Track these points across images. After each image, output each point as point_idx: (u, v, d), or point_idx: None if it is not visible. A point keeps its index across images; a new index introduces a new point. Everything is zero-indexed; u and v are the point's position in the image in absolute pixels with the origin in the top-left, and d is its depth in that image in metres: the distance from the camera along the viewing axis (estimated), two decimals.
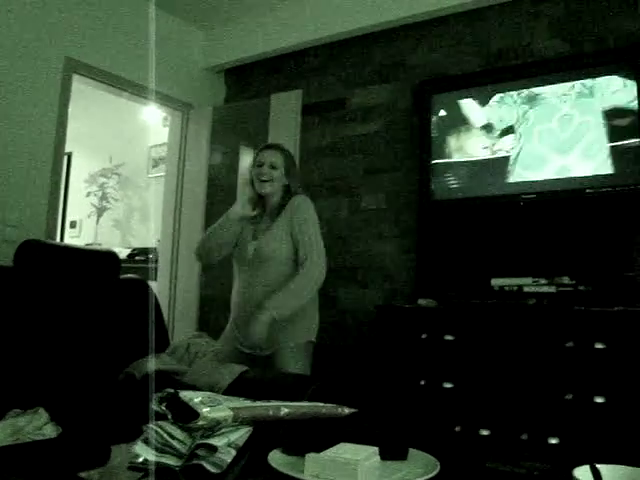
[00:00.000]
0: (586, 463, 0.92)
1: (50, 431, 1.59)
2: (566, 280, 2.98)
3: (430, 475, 1.15)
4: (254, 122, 4.44)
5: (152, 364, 2.25)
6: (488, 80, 3.49)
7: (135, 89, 4.30)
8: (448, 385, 2.98)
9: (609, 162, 3.04)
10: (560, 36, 3.40)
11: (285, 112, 4.22)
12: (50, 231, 3.76)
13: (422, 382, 3.05)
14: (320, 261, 2.61)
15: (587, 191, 3.09)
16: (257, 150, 2.83)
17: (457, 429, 2.90)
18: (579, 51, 3.32)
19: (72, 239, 6.34)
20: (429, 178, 3.60)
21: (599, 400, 2.60)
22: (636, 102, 2.98)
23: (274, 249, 2.64)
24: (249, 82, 4.83)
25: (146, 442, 1.25)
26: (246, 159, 4.50)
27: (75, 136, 4.56)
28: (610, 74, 3.07)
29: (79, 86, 4.09)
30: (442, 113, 3.59)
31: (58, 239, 4.79)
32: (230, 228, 2.71)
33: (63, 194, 5.08)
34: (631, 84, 3.00)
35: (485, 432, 2.83)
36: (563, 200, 3.19)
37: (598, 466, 0.89)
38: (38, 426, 1.58)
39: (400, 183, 3.89)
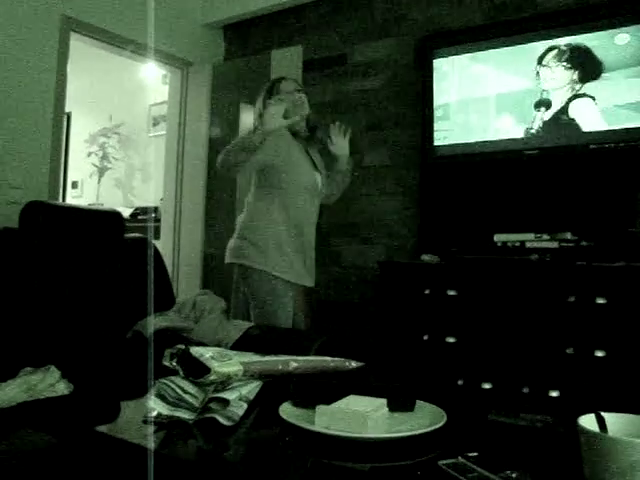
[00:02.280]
0: (588, 413, 0.94)
1: (63, 388, 1.61)
2: (568, 236, 2.99)
3: (437, 425, 1.18)
4: (254, 79, 4.40)
5: (158, 321, 2.28)
6: (492, 34, 3.44)
7: (134, 47, 4.24)
8: (451, 340, 3.02)
9: (613, 118, 3.03)
10: None
11: (286, 68, 4.16)
12: (53, 192, 3.75)
13: (425, 337, 3.09)
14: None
15: (591, 146, 3.08)
16: (269, 83, 2.84)
17: (460, 382, 2.95)
18: (585, 3, 3.27)
19: (74, 199, 6.35)
20: (431, 134, 3.58)
21: (599, 354, 2.63)
22: None
23: (326, 185, 2.85)
24: (248, 38, 4.77)
25: (159, 397, 1.28)
26: (247, 116, 4.46)
27: (74, 96, 4.53)
28: (617, 27, 3.03)
29: (77, 45, 4.03)
30: (445, 68, 3.55)
31: (61, 200, 4.79)
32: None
33: (64, 154, 5.06)
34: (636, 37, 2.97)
35: (487, 385, 2.88)
36: (566, 155, 3.18)
37: (602, 414, 0.91)
38: (51, 383, 1.61)
39: (402, 139, 3.88)
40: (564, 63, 3.15)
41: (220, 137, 4.58)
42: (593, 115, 3.08)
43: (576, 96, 3.12)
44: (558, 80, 3.17)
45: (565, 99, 3.15)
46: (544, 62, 3.22)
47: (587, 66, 3.09)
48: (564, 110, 3.16)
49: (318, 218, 2.83)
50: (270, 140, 2.49)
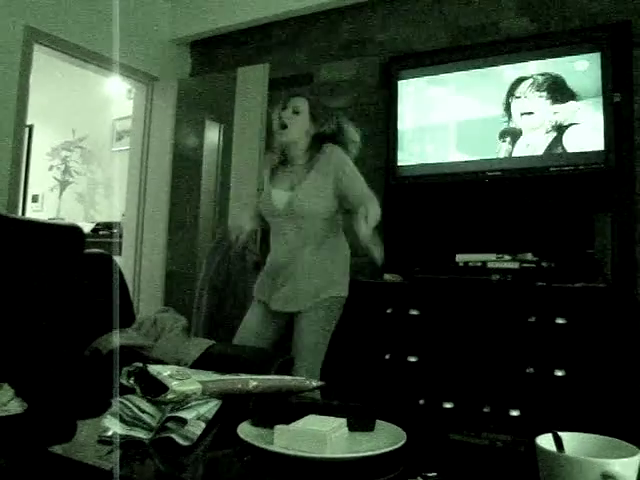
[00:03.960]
0: (547, 433, 0.94)
1: (16, 407, 1.57)
2: (529, 256, 3.04)
3: (397, 445, 1.17)
4: (220, 96, 4.39)
5: (117, 338, 2.24)
6: (455, 57, 3.49)
7: (99, 60, 4.21)
8: (413, 359, 3.03)
9: (573, 141, 3.09)
10: (528, 15, 3.42)
11: (252, 86, 4.17)
12: (11, 205, 3.68)
13: (387, 356, 3.09)
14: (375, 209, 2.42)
15: (551, 169, 3.14)
16: (283, 98, 2.71)
17: (421, 402, 2.95)
18: (546, 30, 3.35)
19: (34, 213, 6.24)
20: (395, 155, 3.61)
21: (559, 373, 2.66)
22: (599, 82, 3.02)
23: (313, 203, 2.53)
24: (215, 55, 4.77)
25: (115, 415, 1.25)
26: (212, 133, 4.45)
27: (37, 108, 4.47)
28: (575, 54, 3.11)
29: (41, 56, 3.99)
30: (409, 89, 3.59)
31: (20, 213, 4.70)
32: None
33: (25, 167, 4.97)
34: (595, 63, 3.04)
35: (448, 405, 2.89)
36: (527, 178, 3.23)
37: (560, 434, 0.92)
38: (3, 402, 1.56)
39: (366, 160, 3.88)
40: (541, 93, 3.19)
41: (185, 153, 4.55)
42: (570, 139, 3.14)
43: (559, 127, 3.15)
44: (534, 109, 3.21)
45: (543, 128, 3.19)
46: (517, 93, 3.25)
47: (559, 94, 3.14)
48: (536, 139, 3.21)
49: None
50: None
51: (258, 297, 2.69)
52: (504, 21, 3.49)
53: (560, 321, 2.69)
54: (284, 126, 2.58)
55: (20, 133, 3.78)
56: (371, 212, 2.35)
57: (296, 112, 2.59)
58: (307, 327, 2.54)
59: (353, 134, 2.70)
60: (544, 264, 3.00)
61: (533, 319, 2.76)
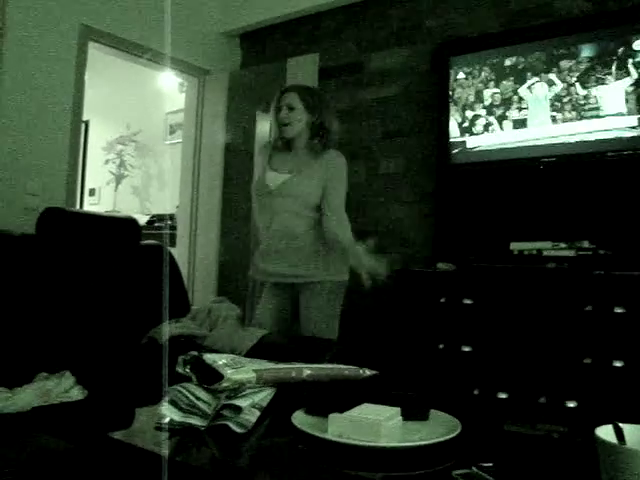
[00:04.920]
0: (606, 424, 0.92)
1: (77, 394, 1.62)
2: (586, 244, 2.96)
3: (452, 435, 1.16)
4: (271, 87, 4.40)
5: (173, 328, 2.28)
6: (508, 41, 3.42)
7: (151, 55, 4.27)
8: (467, 349, 3.00)
9: (632, 125, 3.00)
10: None
11: (302, 76, 4.17)
12: (70, 199, 3.79)
13: (441, 346, 3.07)
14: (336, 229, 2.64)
15: (608, 154, 3.05)
16: (276, 95, 2.81)
17: (475, 392, 2.92)
18: (602, 9, 3.24)
19: (91, 206, 6.40)
20: (448, 141, 3.57)
21: (618, 364, 2.60)
22: None
23: (307, 186, 2.65)
24: (265, 47, 4.79)
25: (172, 403, 1.28)
26: (263, 124, 4.48)
27: (92, 104, 4.57)
28: (635, 34, 3.01)
29: (95, 53, 4.07)
30: (461, 76, 3.54)
31: (78, 207, 4.83)
32: None
33: (82, 162, 5.09)
34: None
35: (503, 395, 2.86)
36: (584, 163, 3.15)
37: (621, 425, 0.90)
38: (65, 389, 1.61)
39: (418, 147, 3.87)
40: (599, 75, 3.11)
41: (236, 145, 4.59)
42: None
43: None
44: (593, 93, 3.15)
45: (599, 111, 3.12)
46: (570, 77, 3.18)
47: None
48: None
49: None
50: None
51: (260, 278, 2.81)
52: (558, 2, 3.40)
53: (618, 310, 2.62)
54: (284, 124, 2.70)
55: (77, 129, 3.88)
56: (346, 238, 2.62)
57: (291, 108, 2.69)
58: (314, 301, 2.68)
59: (337, 126, 2.82)
60: (601, 252, 2.93)
61: (590, 308, 2.69)
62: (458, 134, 3.53)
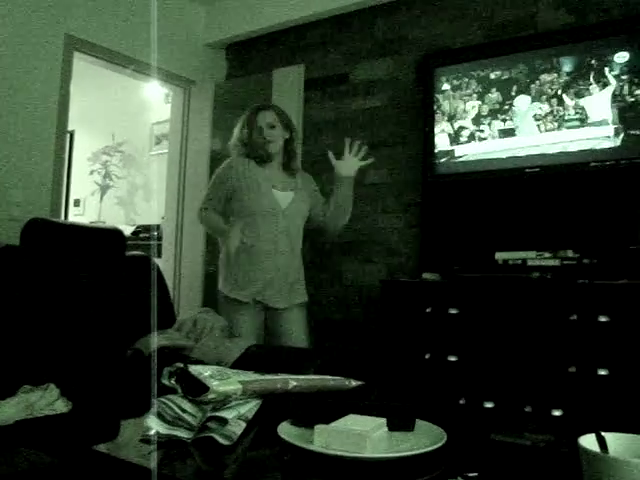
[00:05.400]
0: (590, 433, 0.93)
1: (61, 406, 1.61)
2: (570, 253, 2.99)
3: (437, 445, 1.17)
4: (257, 98, 4.42)
5: (158, 339, 2.27)
6: (492, 52, 3.45)
7: (137, 66, 4.27)
8: (453, 358, 3.00)
9: (613, 136, 3.03)
10: (565, 7, 3.37)
11: (287, 87, 4.19)
12: (54, 209, 3.77)
13: (427, 355, 3.07)
14: None
15: (591, 164, 3.08)
16: (248, 112, 2.98)
17: (462, 402, 2.93)
18: (584, 23, 3.29)
19: (76, 217, 6.35)
20: (432, 152, 3.59)
21: (602, 372, 2.62)
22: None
23: (304, 205, 2.95)
24: (250, 58, 4.80)
25: (157, 415, 1.28)
26: None
27: (77, 114, 4.55)
28: (615, 46, 3.04)
29: (80, 64, 4.06)
30: (446, 87, 3.56)
31: (63, 217, 4.80)
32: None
33: (66, 172, 5.07)
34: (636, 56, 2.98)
35: (489, 404, 2.86)
36: (567, 174, 3.18)
37: (603, 434, 0.91)
38: (50, 401, 1.60)
39: (404, 157, 3.89)
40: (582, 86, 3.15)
41: (222, 155, 4.58)
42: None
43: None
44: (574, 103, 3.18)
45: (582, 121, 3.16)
46: (551, 88, 3.22)
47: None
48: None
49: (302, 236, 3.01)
50: (231, 168, 2.92)
51: (239, 296, 2.83)
52: (540, 14, 3.44)
53: (603, 319, 2.64)
54: (268, 142, 2.90)
55: (61, 139, 3.86)
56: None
57: (272, 127, 2.91)
58: (296, 324, 2.88)
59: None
60: (585, 261, 2.95)
61: (575, 317, 2.71)
62: (443, 144, 3.55)
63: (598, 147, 3.07)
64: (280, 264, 2.83)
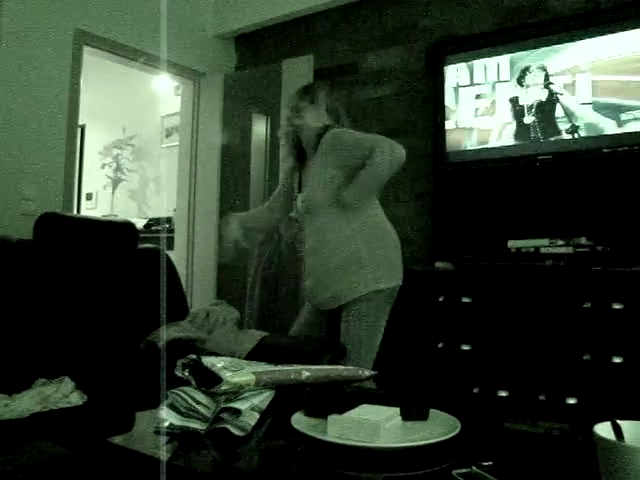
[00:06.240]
0: (605, 421, 0.92)
1: (76, 399, 1.62)
2: (583, 241, 2.96)
3: (451, 434, 1.16)
4: (266, 88, 4.41)
5: (171, 331, 2.28)
6: (502, 39, 3.42)
7: (146, 59, 4.27)
8: (466, 347, 3.00)
9: (627, 121, 3.00)
10: None
11: (297, 77, 4.17)
12: (67, 203, 3.78)
13: (440, 344, 3.07)
14: (387, 144, 2.44)
15: (604, 150, 3.06)
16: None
17: (475, 390, 2.93)
18: (596, 7, 3.25)
19: (88, 211, 6.38)
20: (443, 140, 3.57)
21: (617, 360, 2.60)
22: None
23: (319, 195, 2.42)
24: (260, 49, 4.79)
25: (171, 407, 1.28)
26: (259, 126, 4.48)
27: (88, 108, 4.56)
28: (627, 29, 3.01)
29: (90, 58, 4.07)
30: (456, 74, 3.54)
31: (75, 211, 4.82)
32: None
33: (78, 166, 5.10)
34: None
35: (503, 393, 2.86)
36: (579, 160, 3.15)
37: (619, 422, 0.90)
38: (65, 394, 1.62)
39: (414, 146, 3.85)
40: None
41: (233, 147, 4.59)
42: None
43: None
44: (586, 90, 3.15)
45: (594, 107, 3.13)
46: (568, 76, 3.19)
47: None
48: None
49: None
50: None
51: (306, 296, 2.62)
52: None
53: (617, 306, 2.62)
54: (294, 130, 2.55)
55: (73, 133, 3.87)
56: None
57: (295, 109, 2.54)
58: (352, 322, 2.38)
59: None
60: (599, 248, 2.93)
61: (589, 305, 2.69)
62: (454, 133, 3.53)
63: (612, 133, 3.04)
64: (312, 268, 2.54)
